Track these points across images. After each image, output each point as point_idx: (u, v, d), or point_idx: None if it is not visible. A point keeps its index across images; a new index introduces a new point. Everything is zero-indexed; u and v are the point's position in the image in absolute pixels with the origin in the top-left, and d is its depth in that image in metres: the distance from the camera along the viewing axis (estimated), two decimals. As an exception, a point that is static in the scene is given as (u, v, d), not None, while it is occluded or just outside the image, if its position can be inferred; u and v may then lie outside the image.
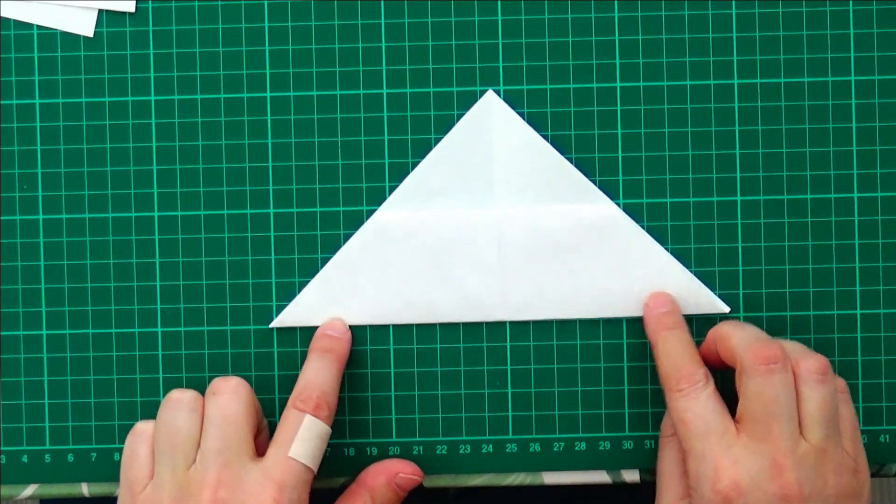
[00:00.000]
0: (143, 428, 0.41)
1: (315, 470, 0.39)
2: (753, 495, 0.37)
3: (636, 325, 0.44)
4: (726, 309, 0.43)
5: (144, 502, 0.39)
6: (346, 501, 0.41)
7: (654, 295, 0.43)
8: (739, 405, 0.39)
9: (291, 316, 0.44)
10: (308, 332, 0.44)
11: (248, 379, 0.44)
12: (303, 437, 0.39)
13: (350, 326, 0.44)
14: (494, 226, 0.43)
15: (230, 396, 0.39)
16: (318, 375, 0.41)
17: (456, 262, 0.43)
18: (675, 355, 0.41)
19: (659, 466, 0.42)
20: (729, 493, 0.37)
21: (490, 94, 0.44)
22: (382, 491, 0.41)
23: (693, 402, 0.39)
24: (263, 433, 0.42)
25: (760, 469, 0.37)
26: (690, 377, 0.40)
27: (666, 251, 0.43)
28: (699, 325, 0.44)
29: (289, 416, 0.40)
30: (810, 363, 0.39)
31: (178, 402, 0.40)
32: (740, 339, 0.39)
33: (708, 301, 0.43)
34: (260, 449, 0.40)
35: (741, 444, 0.38)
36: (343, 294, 0.44)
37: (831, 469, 0.37)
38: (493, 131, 0.44)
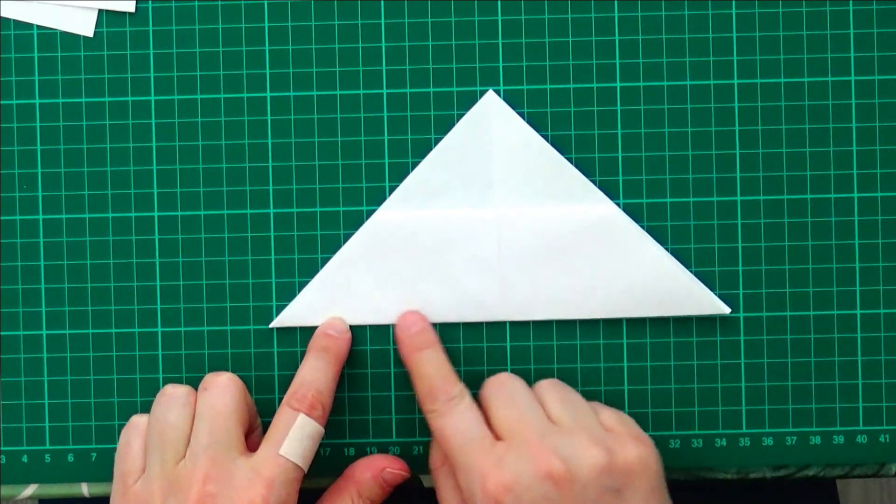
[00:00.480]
0: (137, 421, 0.41)
1: (305, 469, 0.39)
2: (521, 486, 0.36)
3: (636, 325, 0.44)
4: (727, 309, 0.43)
5: (135, 495, 0.39)
6: (332, 497, 0.41)
7: (405, 314, 0.43)
8: (491, 420, 0.39)
9: (291, 316, 0.44)
10: (308, 333, 0.44)
11: (247, 379, 0.44)
12: (294, 435, 0.39)
13: (350, 326, 0.44)
14: (494, 226, 0.43)
15: (221, 391, 0.39)
16: (315, 374, 0.41)
17: (455, 262, 0.43)
18: (429, 376, 0.41)
19: (439, 499, 0.41)
20: (498, 494, 0.37)
21: (490, 94, 0.44)
22: (369, 486, 0.41)
23: (450, 417, 0.39)
24: (257, 431, 0.42)
25: (521, 460, 0.37)
26: (446, 394, 0.40)
27: (666, 251, 0.43)
28: (699, 325, 0.44)
29: (282, 413, 0.40)
30: (541, 381, 0.41)
31: (171, 396, 0.40)
32: (483, 388, 0.41)
33: (708, 301, 0.43)
34: (253, 447, 0.40)
35: (500, 446, 0.38)
36: (343, 294, 0.44)
37: (590, 443, 0.37)
38: (492, 131, 0.44)
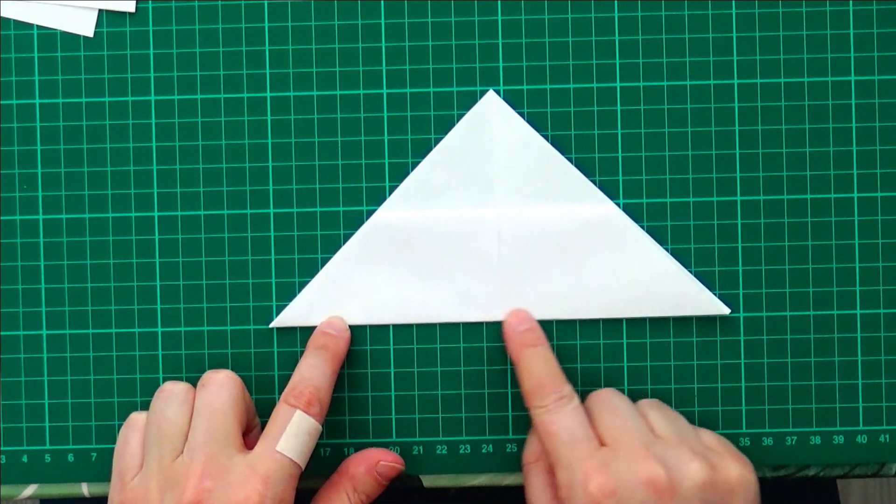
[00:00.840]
0: (136, 418, 0.41)
1: (302, 466, 0.39)
2: (624, 491, 0.37)
3: (636, 325, 0.44)
4: (726, 310, 0.43)
5: (133, 491, 0.39)
6: (327, 493, 0.41)
7: (513, 312, 0.43)
8: (596, 427, 0.39)
9: (291, 316, 0.44)
10: (308, 332, 0.44)
11: (247, 379, 0.44)
12: (291, 431, 0.39)
13: (350, 326, 0.44)
14: (494, 225, 0.43)
15: (218, 388, 0.39)
16: (312, 372, 0.41)
17: (455, 262, 0.43)
18: (538, 373, 0.41)
19: (527, 494, 0.41)
20: (599, 495, 0.37)
21: (490, 94, 0.44)
22: (363, 480, 0.41)
23: (558, 415, 0.39)
24: (256, 430, 0.42)
25: (626, 465, 0.37)
26: (556, 392, 0.40)
27: (666, 251, 0.43)
28: (699, 325, 0.44)
29: (279, 410, 0.40)
30: (643, 400, 0.42)
31: (170, 393, 0.40)
32: (590, 398, 0.41)
33: (708, 302, 0.43)
34: (251, 445, 0.40)
35: (606, 450, 0.38)
36: (343, 294, 0.44)
37: (694, 456, 0.38)
38: (493, 131, 0.44)
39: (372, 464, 0.42)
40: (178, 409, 0.39)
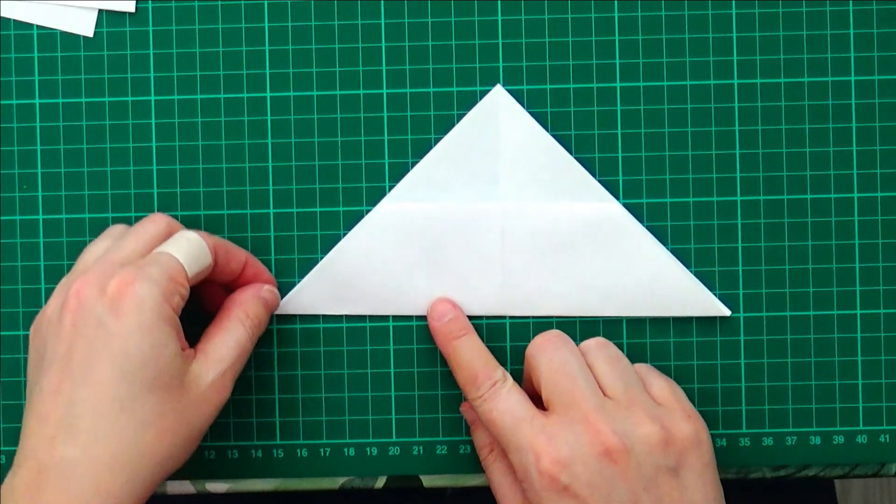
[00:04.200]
0: (117, 228, 0.42)
1: (188, 272, 0.39)
2: (578, 463, 0.36)
3: (636, 325, 0.44)
4: (727, 311, 0.43)
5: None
6: (221, 321, 0.40)
7: (434, 304, 0.43)
8: (542, 391, 0.39)
9: (290, 304, 0.44)
10: (308, 331, 0.44)
11: (248, 378, 0.44)
12: (176, 241, 0.40)
13: (350, 317, 0.44)
14: (498, 220, 0.43)
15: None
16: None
17: (457, 256, 0.43)
18: (468, 362, 0.41)
19: (492, 487, 0.41)
20: (554, 471, 0.36)
21: (498, 89, 0.44)
22: (252, 304, 0.41)
23: (496, 401, 0.39)
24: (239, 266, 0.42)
25: (576, 436, 0.37)
26: (488, 379, 0.40)
27: (667, 251, 0.43)
28: (699, 325, 0.44)
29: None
30: (588, 342, 0.41)
31: (157, 229, 0.40)
32: (530, 348, 0.40)
33: (708, 303, 0.43)
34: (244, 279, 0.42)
35: (552, 422, 0.38)
36: (344, 284, 0.44)
37: (646, 418, 0.37)
38: (499, 126, 0.44)
39: (257, 289, 0.42)
40: (147, 240, 0.39)
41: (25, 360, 0.44)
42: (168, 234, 0.40)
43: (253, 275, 0.42)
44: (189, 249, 0.39)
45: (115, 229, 0.42)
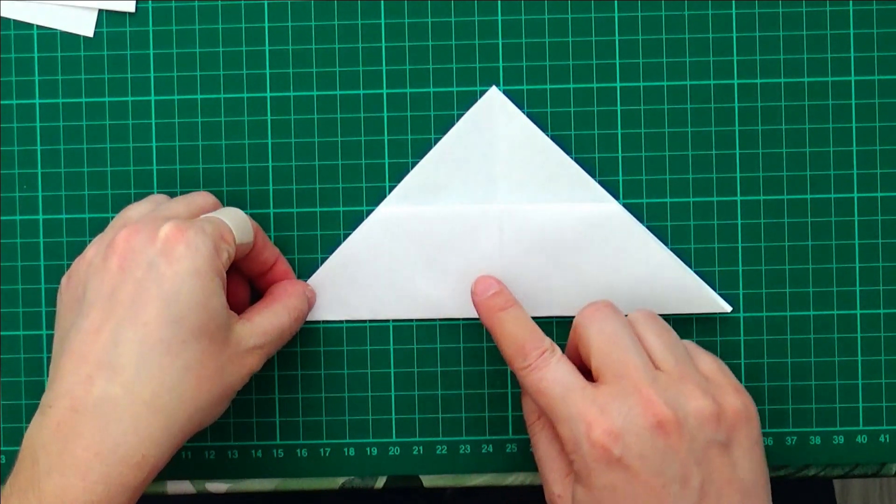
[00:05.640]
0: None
1: (237, 236, 0.39)
2: (630, 435, 0.36)
3: (636, 325, 0.44)
4: (728, 308, 0.43)
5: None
6: (269, 304, 0.41)
7: (478, 280, 0.42)
8: (592, 361, 0.38)
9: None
10: (308, 331, 0.44)
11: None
12: (225, 211, 0.41)
13: (351, 321, 0.44)
14: (496, 222, 0.43)
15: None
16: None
17: (457, 258, 0.43)
18: (515, 334, 0.40)
19: (536, 455, 0.40)
20: (605, 442, 0.36)
21: (493, 91, 0.44)
22: (299, 299, 0.42)
23: (545, 370, 0.38)
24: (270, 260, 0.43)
25: (629, 407, 0.36)
26: (536, 349, 0.39)
27: (667, 249, 0.43)
28: (699, 325, 0.44)
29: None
30: (636, 313, 0.40)
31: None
32: (580, 318, 0.40)
33: (710, 300, 0.43)
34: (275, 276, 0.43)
35: (603, 392, 0.37)
36: (344, 289, 0.44)
37: (698, 392, 0.37)
38: (496, 127, 0.44)
39: (303, 286, 0.43)
40: (194, 208, 0.41)
41: (25, 360, 0.44)
42: (214, 209, 0.41)
43: (283, 272, 0.43)
44: (236, 220, 0.40)
45: (158, 196, 0.42)
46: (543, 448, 0.40)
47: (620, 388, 0.37)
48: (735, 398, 0.37)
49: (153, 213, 0.39)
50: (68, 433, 0.35)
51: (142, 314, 0.36)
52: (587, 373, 0.39)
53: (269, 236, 0.44)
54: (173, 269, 0.36)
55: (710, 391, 0.37)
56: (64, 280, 0.39)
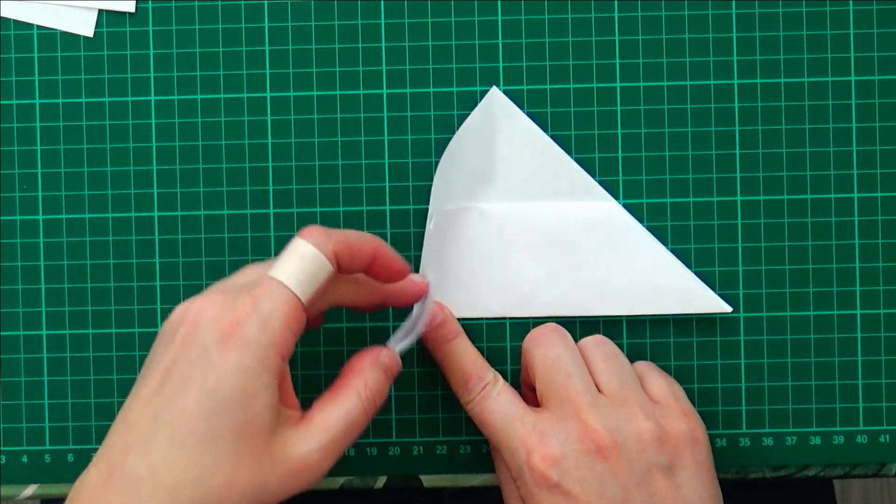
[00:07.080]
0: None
1: (303, 299, 0.35)
2: (568, 460, 0.36)
3: (636, 325, 0.44)
4: (728, 308, 0.43)
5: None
6: (338, 389, 0.37)
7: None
8: (537, 386, 0.39)
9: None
10: (308, 331, 0.44)
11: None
12: (289, 259, 0.36)
13: (350, 318, 0.44)
14: (496, 221, 0.43)
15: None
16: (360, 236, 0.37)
17: (456, 257, 0.43)
18: (459, 367, 0.40)
19: (499, 480, 0.41)
20: (544, 468, 0.36)
21: (494, 91, 0.44)
22: (372, 373, 0.37)
23: (487, 401, 0.39)
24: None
25: (567, 433, 0.37)
26: (480, 381, 0.40)
27: (668, 250, 0.43)
28: (699, 325, 0.44)
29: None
30: (586, 339, 0.41)
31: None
32: (525, 342, 0.40)
33: (709, 300, 0.43)
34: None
35: (543, 418, 0.38)
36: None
37: (640, 415, 0.37)
38: (496, 127, 0.44)
39: (375, 356, 0.38)
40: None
41: (25, 360, 0.44)
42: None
43: (383, 266, 0.38)
44: (303, 269, 0.36)
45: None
46: (500, 473, 0.41)
47: (561, 414, 0.37)
48: (679, 422, 0.38)
49: (251, 281, 0.36)
50: (98, 497, 0.34)
51: (184, 399, 0.34)
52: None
53: (269, 236, 0.44)
54: (223, 360, 0.34)
55: (655, 414, 0.38)
56: (170, 318, 0.36)
